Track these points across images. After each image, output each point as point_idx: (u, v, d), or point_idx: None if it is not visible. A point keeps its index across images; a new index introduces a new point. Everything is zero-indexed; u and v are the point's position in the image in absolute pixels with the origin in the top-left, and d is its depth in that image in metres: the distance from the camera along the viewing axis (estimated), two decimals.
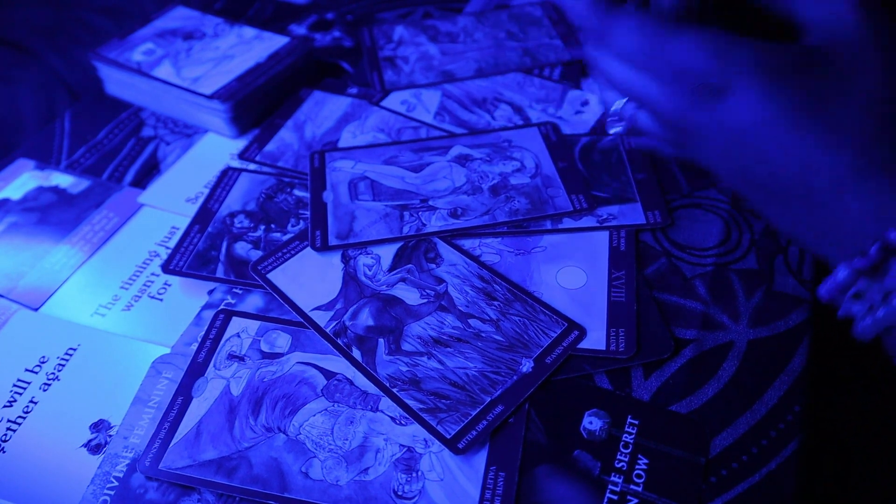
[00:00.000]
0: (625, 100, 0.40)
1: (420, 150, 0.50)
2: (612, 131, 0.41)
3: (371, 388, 0.37)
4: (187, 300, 0.43)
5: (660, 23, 0.36)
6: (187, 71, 0.55)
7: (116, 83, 0.58)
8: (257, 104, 0.55)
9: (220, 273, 0.43)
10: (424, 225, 0.45)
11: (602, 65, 0.39)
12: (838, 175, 0.31)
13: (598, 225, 0.45)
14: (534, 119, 0.54)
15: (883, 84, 0.32)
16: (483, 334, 0.39)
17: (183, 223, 0.47)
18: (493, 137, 0.52)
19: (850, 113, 0.32)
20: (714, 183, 0.48)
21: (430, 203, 0.46)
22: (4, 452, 0.36)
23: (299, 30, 0.66)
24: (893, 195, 0.30)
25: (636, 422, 0.36)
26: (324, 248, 0.44)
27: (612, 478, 0.34)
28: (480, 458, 0.35)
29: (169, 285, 0.44)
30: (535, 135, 0.52)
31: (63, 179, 0.52)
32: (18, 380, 0.39)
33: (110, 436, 0.37)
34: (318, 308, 0.41)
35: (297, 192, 0.49)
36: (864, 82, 0.32)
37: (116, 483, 0.35)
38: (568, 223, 0.45)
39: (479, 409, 0.36)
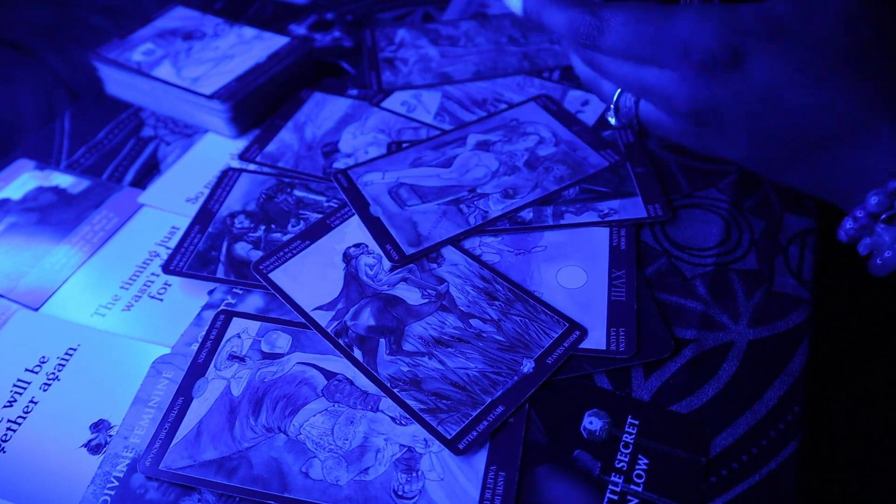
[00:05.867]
0: (617, 95, 0.40)
1: (439, 147, 0.51)
2: (613, 121, 0.42)
3: (371, 388, 0.37)
4: (187, 300, 0.43)
5: (651, 8, 0.35)
6: (187, 71, 0.55)
7: (116, 83, 0.58)
8: (257, 104, 0.55)
9: (220, 273, 0.43)
10: (487, 212, 0.45)
11: (602, 68, 0.39)
12: (860, 119, 0.32)
13: (599, 220, 0.45)
14: None
15: (880, 20, 0.33)
16: (484, 334, 0.39)
17: (183, 223, 0.47)
18: (498, 120, 0.53)
19: (862, 56, 0.32)
20: (715, 183, 0.48)
21: (479, 191, 0.47)
22: (4, 452, 0.36)
23: (299, 30, 0.66)
24: None
25: (636, 422, 0.36)
26: (402, 260, 0.43)
27: (613, 478, 0.34)
28: (480, 459, 0.35)
29: (169, 285, 0.44)
30: (536, 109, 0.53)
31: (63, 179, 0.52)
32: (18, 380, 0.39)
33: (110, 436, 0.37)
34: (319, 308, 0.41)
35: (297, 193, 0.49)
36: (863, 26, 0.33)
37: (117, 483, 0.34)
38: (570, 219, 0.45)
39: (479, 410, 0.36)
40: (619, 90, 0.41)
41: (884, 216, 0.32)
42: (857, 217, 0.33)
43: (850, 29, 0.33)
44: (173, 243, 0.46)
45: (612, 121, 0.42)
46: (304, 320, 0.40)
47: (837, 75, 0.32)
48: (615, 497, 0.33)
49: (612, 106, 0.41)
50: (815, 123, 0.33)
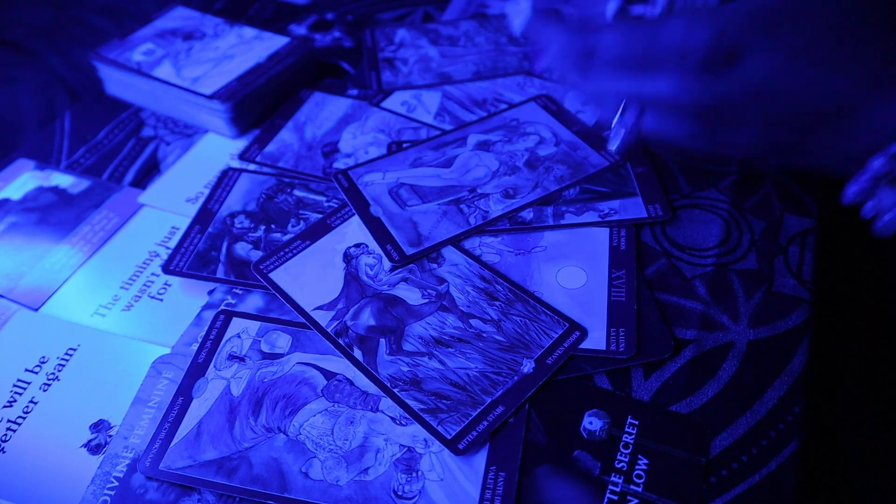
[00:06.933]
0: (618, 115, 0.41)
1: (439, 147, 0.51)
2: (613, 148, 0.42)
3: (371, 388, 0.37)
4: (187, 300, 0.43)
5: (641, 23, 0.37)
6: (187, 71, 0.55)
7: (116, 83, 0.58)
8: (257, 104, 0.55)
9: (220, 273, 0.43)
10: (487, 212, 0.45)
11: (599, 84, 0.39)
12: (859, 95, 0.34)
13: (599, 220, 0.45)
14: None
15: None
16: (484, 334, 0.39)
17: (183, 223, 0.47)
18: (499, 120, 0.53)
19: (851, 35, 0.34)
20: (715, 183, 0.48)
21: (480, 191, 0.47)
22: (4, 452, 0.36)
23: (299, 30, 0.66)
24: None
25: (636, 422, 0.36)
26: (403, 260, 0.43)
27: (613, 478, 0.34)
28: (480, 459, 0.35)
29: (169, 285, 0.44)
30: (536, 108, 0.54)
31: (63, 179, 0.52)
32: (18, 380, 0.39)
33: (110, 436, 0.37)
34: (319, 308, 0.41)
35: (297, 193, 0.49)
36: (847, 6, 0.34)
37: (116, 483, 0.34)
38: (570, 218, 0.45)
39: (479, 410, 0.36)
40: (617, 114, 0.41)
41: (886, 179, 0.34)
42: (861, 180, 0.34)
43: (837, 11, 0.34)
44: (173, 243, 0.46)
45: (613, 147, 0.42)
46: (304, 320, 0.40)
47: (832, 57, 0.34)
48: (615, 497, 0.33)
49: (612, 128, 0.41)
50: (817, 105, 0.35)
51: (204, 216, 0.47)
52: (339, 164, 0.51)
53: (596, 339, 0.39)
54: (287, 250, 0.44)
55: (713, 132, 0.38)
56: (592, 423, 0.36)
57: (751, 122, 0.37)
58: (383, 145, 0.52)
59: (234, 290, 0.43)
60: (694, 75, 0.35)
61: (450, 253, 0.44)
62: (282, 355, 0.39)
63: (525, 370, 0.37)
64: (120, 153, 0.54)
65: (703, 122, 0.38)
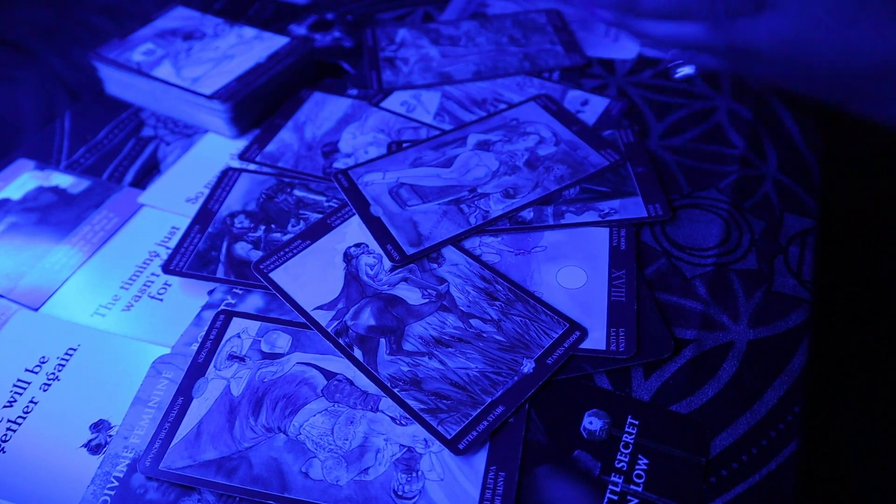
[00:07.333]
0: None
1: (439, 147, 0.51)
2: (679, 75, 0.44)
3: (371, 388, 0.37)
4: (187, 300, 0.43)
5: None
6: (187, 71, 0.55)
7: (116, 83, 0.58)
8: (257, 104, 0.55)
9: (220, 273, 0.43)
10: (487, 211, 0.45)
11: (644, 31, 0.41)
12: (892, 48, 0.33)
13: (600, 220, 0.45)
14: None
15: None
16: (484, 334, 0.39)
17: (183, 223, 0.47)
18: (499, 120, 0.53)
19: None
20: (714, 183, 0.48)
21: (480, 191, 0.47)
22: (4, 452, 0.36)
23: (299, 30, 0.66)
24: None
25: (636, 422, 0.36)
26: (403, 259, 0.43)
27: (613, 478, 0.34)
28: (480, 458, 0.35)
29: (169, 285, 0.44)
30: (536, 108, 0.54)
31: (63, 179, 0.52)
32: (18, 380, 0.39)
33: (110, 436, 0.37)
34: (319, 307, 0.41)
35: (297, 193, 0.49)
36: None
37: (116, 483, 0.34)
38: (570, 218, 0.45)
39: (479, 410, 0.36)
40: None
41: None
42: None
43: None
44: (173, 243, 0.46)
45: (686, 70, 0.44)
46: (304, 320, 0.40)
47: (869, 17, 0.34)
48: (615, 497, 0.33)
49: (675, 60, 0.44)
50: (858, 62, 0.35)
51: (204, 216, 0.47)
52: (339, 164, 0.51)
53: (596, 339, 0.39)
54: (287, 250, 0.44)
55: (756, 69, 0.39)
56: (592, 423, 0.36)
57: (786, 67, 0.37)
58: (383, 145, 0.52)
59: (234, 290, 0.43)
60: (723, 21, 0.36)
61: (450, 253, 0.44)
62: (282, 355, 0.39)
63: (525, 370, 0.37)
64: (120, 153, 0.54)
65: (740, 62, 0.39)
